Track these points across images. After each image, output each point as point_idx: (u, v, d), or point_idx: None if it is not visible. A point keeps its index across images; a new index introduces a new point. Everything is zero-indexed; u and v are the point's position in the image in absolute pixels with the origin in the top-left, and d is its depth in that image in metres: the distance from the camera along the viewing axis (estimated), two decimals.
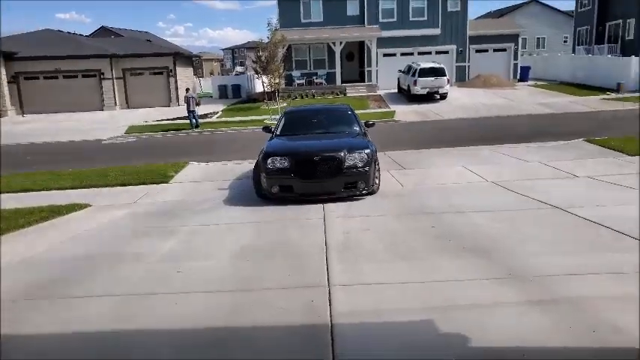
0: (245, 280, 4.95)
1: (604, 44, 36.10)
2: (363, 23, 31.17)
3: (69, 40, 33.09)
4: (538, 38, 49.97)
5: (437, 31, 31.38)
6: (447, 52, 31.89)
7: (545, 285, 4.41)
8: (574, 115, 19.70)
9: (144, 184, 10.63)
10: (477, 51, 32.55)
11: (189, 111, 21.87)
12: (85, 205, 8.83)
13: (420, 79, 24.88)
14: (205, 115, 25.06)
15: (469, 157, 11.68)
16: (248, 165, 12.15)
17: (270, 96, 26.55)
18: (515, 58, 33.06)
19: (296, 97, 28.54)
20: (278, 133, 9.83)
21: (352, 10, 31.31)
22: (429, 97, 25.31)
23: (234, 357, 3.58)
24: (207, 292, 4.70)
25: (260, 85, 29.16)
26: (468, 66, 32.29)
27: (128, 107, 30.76)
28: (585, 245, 5.40)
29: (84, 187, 10.47)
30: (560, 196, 7.54)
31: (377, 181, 8.54)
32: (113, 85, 30.42)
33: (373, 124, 10.79)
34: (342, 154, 8.17)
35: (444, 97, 25.65)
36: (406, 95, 26.68)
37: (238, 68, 76.56)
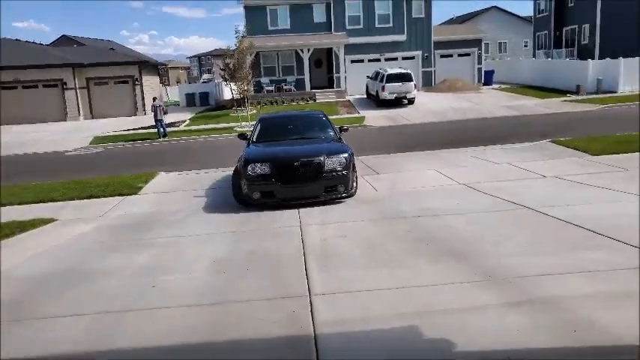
0: (224, 292, 4.83)
1: (562, 48, 37.46)
2: (331, 30, 31.36)
3: (28, 49, 32.03)
4: (500, 43, 51.38)
5: (403, 37, 31.84)
6: (413, 58, 32.39)
7: (523, 286, 4.46)
8: (538, 117, 20.27)
9: (112, 196, 10.32)
10: (442, 56, 33.20)
11: (156, 120, 21.47)
12: (50, 220, 8.49)
13: (388, 84, 25.18)
14: (173, 124, 24.69)
15: (440, 160, 11.84)
16: (220, 173, 11.99)
17: (239, 103, 26.36)
18: (479, 62, 33.88)
19: (265, 104, 28.42)
20: (254, 140, 9.85)
21: (319, 17, 31.45)
22: (397, 102, 25.64)
23: None
24: (185, 306, 4.55)
25: (228, 92, 28.93)
26: (434, 71, 32.87)
27: (93, 117, 29.95)
28: (560, 245, 5.50)
29: (49, 201, 10.08)
30: (531, 196, 7.70)
31: (355, 185, 8.72)
32: (76, 94, 29.60)
33: (347, 129, 10.86)
34: (321, 159, 8.35)
35: (411, 101, 26.02)
36: (375, 100, 26.94)
37: (205, 76, 75.84)
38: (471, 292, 4.45)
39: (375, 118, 22.80)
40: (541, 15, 41.31)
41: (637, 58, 26.21)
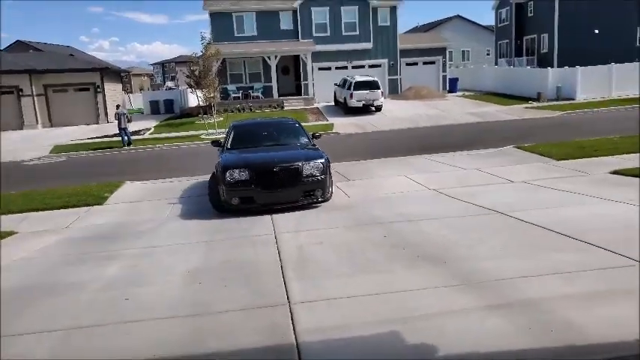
0: (201, 303, 4.70)
1: (523, 57, 38.76)
2: (298, 37, 31.44)
3: None
4: (463, 51, 52.69)
5: (369, 45, 32.23)
6: (379, 66, 32.83)
7: (500, 289, 4.52)
8: (502, 124, 20.84)
9: (76, 206, 9.97)
10: (408, 64, 33.79)
11: (120, 128, 20.96)
12: (10, 233, 8.12)
13: (356, 92, 25.42)
14: (138, 132, 24.19)
15: (409, 166, 11.98)
16: (190, 182, 11.77)
17: (205, 110, 26.03)
18: (444, 70, 34.63)
19: (232, 111, 28.17)
20: (229, 146, 9.82)
21: (286, 24, 31.50)
22: (365, 110, 25.89)
23: None
24: (161, 318, 4.40)
25: (194, 99, 28.56)
26: (400, 79, 33.39)
27: (52, 126, 28.97)
28: (532, 248, 5.62)
29: (7, 213, 9.64)
30: (500, 201, 7.85)
31: (331, 189, 8.91)
32: (34, 102, 28.57)
33: (320, 136, 10.90)
34: (300, 164, 8.50)
35: (379, 109, 26.33)
36: (343, 108, 27.12)
37: (169, 83, 74.78)
38: (449, 296, 4.48)
39: (344, 125, 22.94)
40: (502, 24, 42.66)
41: (592, 67, 27.44)
